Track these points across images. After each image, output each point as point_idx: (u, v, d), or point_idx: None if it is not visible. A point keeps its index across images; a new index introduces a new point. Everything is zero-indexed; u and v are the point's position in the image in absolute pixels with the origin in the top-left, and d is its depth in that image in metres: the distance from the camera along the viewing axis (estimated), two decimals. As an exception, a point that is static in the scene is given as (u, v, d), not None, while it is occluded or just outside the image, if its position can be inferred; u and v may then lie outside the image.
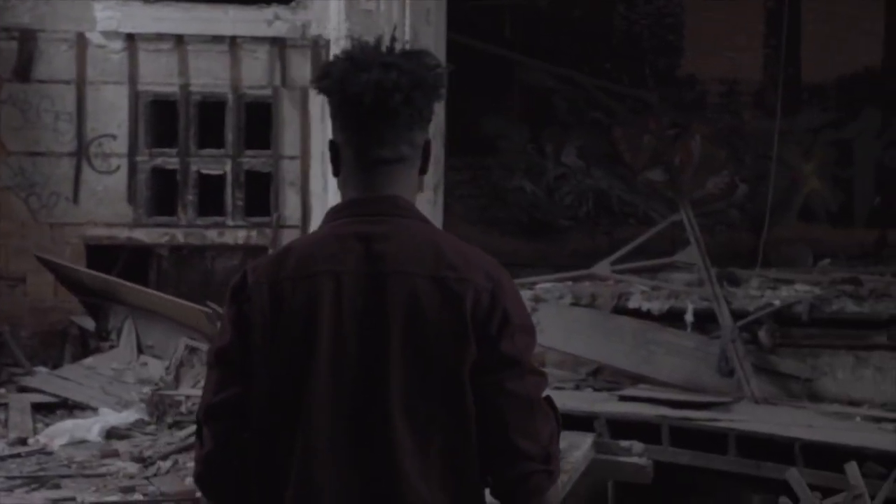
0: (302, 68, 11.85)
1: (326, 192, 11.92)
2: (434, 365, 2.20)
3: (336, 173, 2.40)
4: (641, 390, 10.14)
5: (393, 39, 2.35)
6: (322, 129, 11.94)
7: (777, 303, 10.80)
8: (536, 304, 11.56)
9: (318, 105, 11.93)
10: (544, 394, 2.32)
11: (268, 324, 2.26)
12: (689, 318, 11.07)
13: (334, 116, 2.36)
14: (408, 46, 2.38)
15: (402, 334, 2.20)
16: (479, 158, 14.69)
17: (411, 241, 2.27)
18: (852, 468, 6.64)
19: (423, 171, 2.40)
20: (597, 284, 12.05)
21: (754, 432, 7.26)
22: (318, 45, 11.85)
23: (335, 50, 11.73)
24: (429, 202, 12.14)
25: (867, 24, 13.70)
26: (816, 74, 13.89)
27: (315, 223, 11.99)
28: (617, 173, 14.72)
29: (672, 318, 11.23)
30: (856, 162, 13.87)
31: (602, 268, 12.57)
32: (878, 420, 8.87)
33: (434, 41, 11.95)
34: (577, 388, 10.49)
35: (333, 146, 2.38)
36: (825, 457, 6.94)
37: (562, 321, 11.42)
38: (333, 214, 2.37)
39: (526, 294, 11.81)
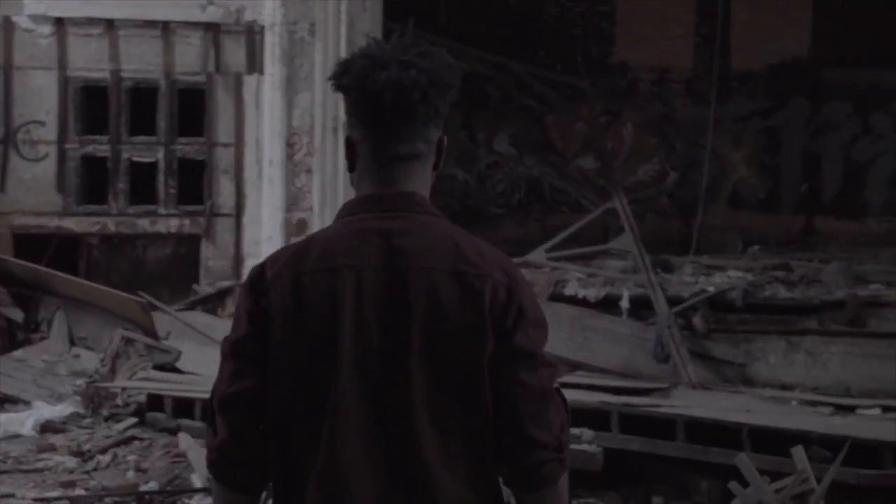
0: (236, 54, 11.71)
1: (261, 180, 11.81)
2: (454, 358, 2.26)
3: (351, 169, 2.42)
4: (580, 377, 10.17)
5: (409, 38, 2.44)
6: (256, 116, 11.82)
7: (711, 289, 10.91)
8: (473, 291, 11.55)
9: (252, 91, 11.81)
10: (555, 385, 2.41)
11: (289, 317, 2.28)
12: (624, 304, 11.14)
13: (351, 113, 2.40)
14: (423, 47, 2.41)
15: (422, 328, 2.25)
16: (412, 146, 14.64)
17: (429, 236, 2.32)
18: (798, 452, 6.73)
19: (436, 167, 2.45)
20: (532, 272, 12.06)
21: (702, 418, 7.33)
22: (252, 30, 11.71)
23: (270, 36, 11.61)
24: (364, 190, 12.10)
25: (795, 13, 13.90)
26: (746, 63, 14.07)
27: (250, 211, 11.88)
28: (549, 161, 14.77)
29: (608, 304, 11.29)
30: (783, 150, 14.07)
31: (537, 255, 12.60)
32: (813, 404, 9.00)
33: (370, 28, 11.87)
34: (516, 375, 10.49)
35: (349, 142, 2.41)
36: (771, 441, 7.03)
37: (499, 309, 11.40)
38: (350, 209, 2.38)
39: (462, 282, 11.82)
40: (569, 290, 11.46)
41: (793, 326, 10.60)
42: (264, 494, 2.42)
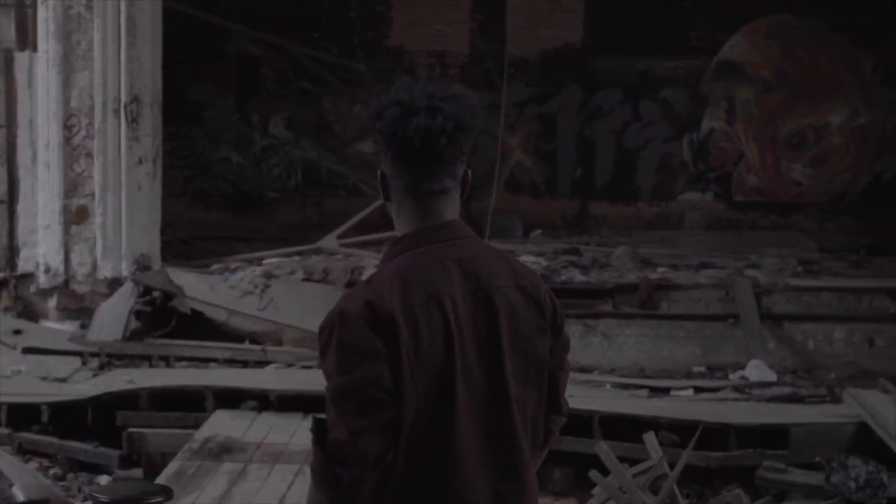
0: (6, 29, 10.90)
1: (36, 165, 11.08)
2: (530, 356, 2.69)
3: (386, 198, 2.76)
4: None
5: (436, 82, 2.77)
6: (29, 96, 11.06)
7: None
8: (268, 280, 11.22)
9: (25, 70, 11.06)
10: None
11: (411, 348, 2.52)
12: (423, 291, 11.07)
13: (384, 152, 2.71)
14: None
15: (508, 337, 2.65)
16: (183, 128, 14.06)
17: (487, 259, 2.70)
18: (650, 438, 6.84)
19: (462, 195, 2.79)
20: (327, 259, 11.84)
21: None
22: (23, 4, 10.93)
23: (43, 11, 10.86)
24: (148, 174, 11.55)
25: (568, 1, 14.16)
26: (521, 49, 14.21)
27: (24, 198, 11.14)
28: (326, 144, 14.51)
29: (406, 291, 11.20)
30: (559, 135, 14.33)
31: (329, 242, 12.36)
32: (625, 387, 9.20)
33: (150, 7, 11.28)
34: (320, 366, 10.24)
35: (383, 177, 2.73)
36: (618, 427, 7.11)
37: (296, 298, 11.12)
38: (410, 243, 2.67)
39: (256, 270, 11.45)
40: (365, 277, 11.28)
41: (589, 310, 10.83)
42: None
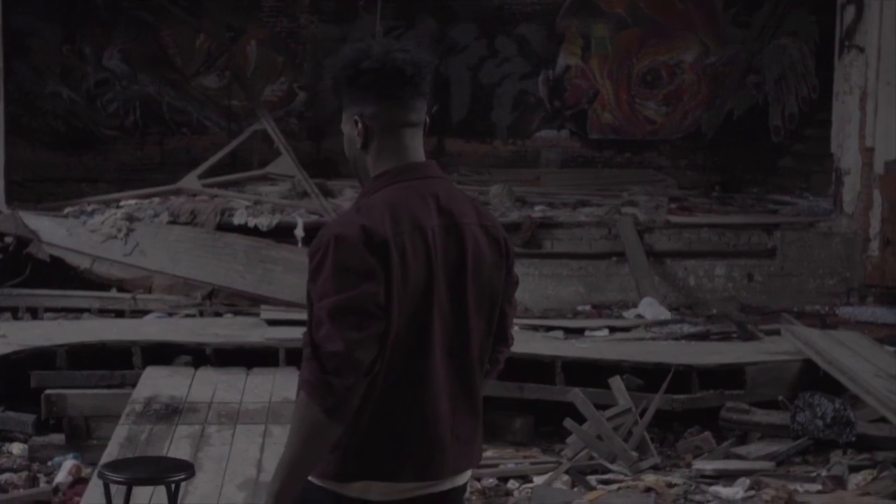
0: None
1: None
2: (486, 290, 2.95)
3: (364, 146, 2.90)
4: (270, 312, 9.45)
5: (392, 37, 3.11)
6: None
7: (389, 215, 10.54)
8: (132, 223, 10.44)
9: None
10: None
11: (399, 272, 2.77)
12: (299, 232, 10.53)
13: (365, 92, 2.86)
14: None
15: (472, 270, 2.91)
16: (5, 60, 12.86)
17: (457, 198, 2.95)
18: (616, 382, 6.59)
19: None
20: (191, 200, 11.07)
21: (517, 353, 6.96)
22: None
23: None
24: (-11, 110, 10.55)
25: (418, -67, 13.67)
26: (371, -20, 13.66)
27: None
28: (167, 79, 13.59)
29: (280, 233, 10.64)
30: (414, 71, 13.83)
31: (189, 182, 11.58)
32: (535, 328, 8.94)
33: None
34: (202, 314, 9.58)
35: (365, 125, 2.88)
36: (579, 372, 6.81)
37: (163, 242, 10.40)
38: (394, 177, 2.88)
39: (117, 213, 10.64)
40: (238, 219, 10.66)
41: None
42: None
